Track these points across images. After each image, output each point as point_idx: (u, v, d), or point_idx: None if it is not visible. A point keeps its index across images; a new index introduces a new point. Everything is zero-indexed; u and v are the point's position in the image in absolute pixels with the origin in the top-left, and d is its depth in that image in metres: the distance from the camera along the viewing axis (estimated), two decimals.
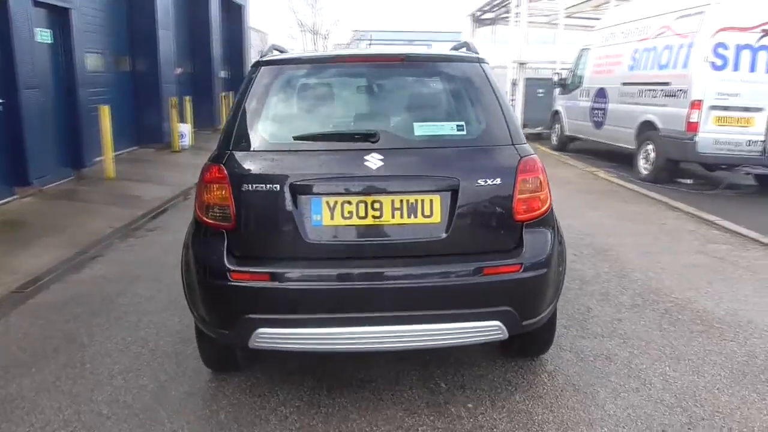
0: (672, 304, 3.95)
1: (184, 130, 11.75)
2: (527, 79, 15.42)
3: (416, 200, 2.56)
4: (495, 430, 2.59)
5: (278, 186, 2.56)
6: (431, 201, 2.57)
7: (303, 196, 2.56)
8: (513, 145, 2.69)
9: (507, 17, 20.59)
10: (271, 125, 2.81)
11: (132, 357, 3.31)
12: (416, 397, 2.87)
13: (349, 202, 2.56)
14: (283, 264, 2.56)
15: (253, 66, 2.91)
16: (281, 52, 3.30)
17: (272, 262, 2.57)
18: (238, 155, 2.65)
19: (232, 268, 2.54)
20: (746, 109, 7.80)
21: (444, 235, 2.56)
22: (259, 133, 2.75)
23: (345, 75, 3.06)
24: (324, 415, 2.74)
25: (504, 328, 2.57)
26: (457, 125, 2.77)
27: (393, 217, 2.56)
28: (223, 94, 15.65)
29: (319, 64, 3.10)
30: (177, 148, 11.34)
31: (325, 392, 2.93)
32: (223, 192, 2.59)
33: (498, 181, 2.60)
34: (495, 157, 2.66)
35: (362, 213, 2.55)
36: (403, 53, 2.88)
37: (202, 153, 11.57)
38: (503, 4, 18.24)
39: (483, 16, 20.76)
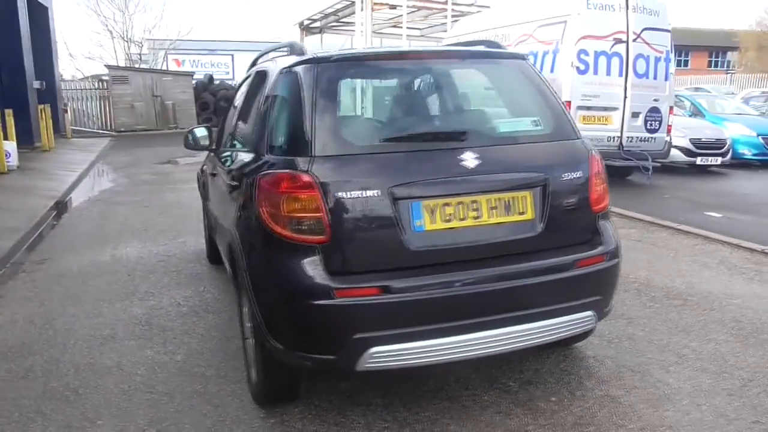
0: (638, 284, 4.37)
1: (9, 149, 10.21)
2: (374, 87, 15.88)
3: (511, 198, 2.53)
4: (596, 417, 2.66)
5: (377, 191, 2.36)
6: (524, 198, 2.55)
7: (402, 201, 2.39)
8: (579, 139, 2.78)
9: (336, 26, 21.05)
10: (352, 127, 2.59)
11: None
12: (498, 399, 2.82)
13: (449, 204, 2.44)
14: (389, 275, 2.36)
15: (303, 63, 2.62)
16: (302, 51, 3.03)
17: (376, 275, 2.36)
18: (325, 160, 2.38)
19: (335, 285, 2.29)
20: (605, 109, 8.86)
21: (538, 232, 2.56)
22: (341, 136, 2.50)
23: (410, 72, 2.91)
24: (422, 431, 2.58)
25: (595, 317, 2.65)
26: (533, 121, 2.78)
27: (491, 216, 2.49)
28: (41, 107, 13.78)
29: (383, 60, 2.89)
30: (4, 170, 9.82)
31: (403, 408, 2.76)
32: (314, 202, 2.32)
33: (578, 174, 2.66)
34: (570, 152, 2.73)
35: (462, 215, 2.46)
36: (464, 49, 2.82)
37: (34, 173, 10.19)
38: (334, 13, 18.56)
39: (312, 25, 20.93)
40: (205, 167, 4.84)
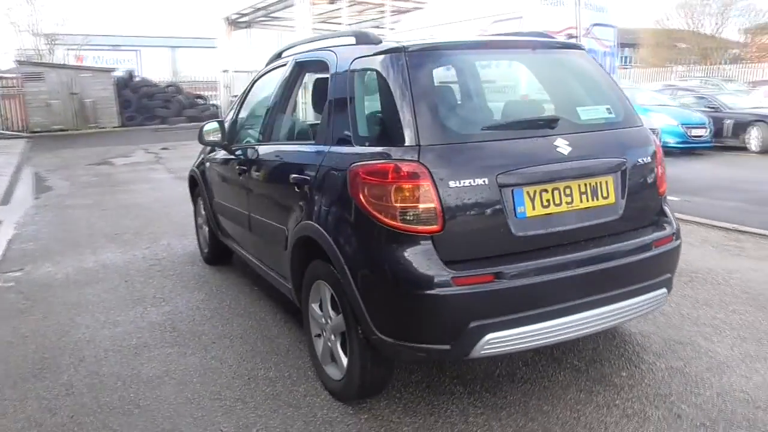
0: None
1: None
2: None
3: (596, 183, 2.62)
4: (671, 387, 2.81)
5: (485, 180, 2.37)
6: (607, 182, 2.65)
7: (506, 188, 2.42)
8: (643, 126, 2.92)
9: (265, 21, 20.62)
10: (451, 116, 2.56)
11: None
12: (573, 378, 2.92)
13: (546, 190, 2.50)
14: (497, 262, 2.39)
15: (392, 51, 2.58)
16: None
17: (485, 262, 2.38)
18: (432, 149, 2.36)
19: (453, 274, 2.29)
20: None
21: (620, 215, 2.67)
22: (444, 125, 2.49)
23: (494, 60, 2.93)
24: (516, 414, 2.63)
25: (667, 294, 2.80)
26: (607, 108, 2.88)
27: (581, 201, 2.58)
28: None
29: (469, 50, 2.88)
30: None
31: (489, 394, 2.80)
32: (427, 191, 2.30)
33: (648, 159, 2.80)
34: (640, 137, 2.85)
35: (557, 200, 2.52)
36: (538, 39, 2.89)
37: None
38: (264, 8, 18.17)
39: (240, 20, 20.41)
40: (206, 165, 4.64)
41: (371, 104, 2.64)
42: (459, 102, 2.73)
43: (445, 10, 11.13)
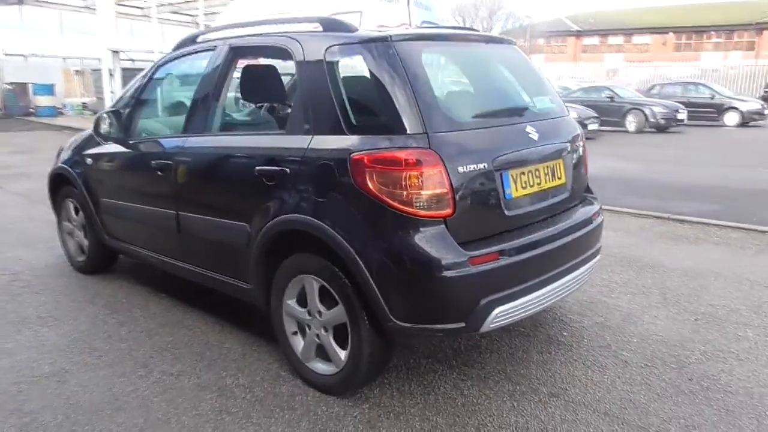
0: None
1: None
2: (124, 70, 14.40)
3: (554, 165, 2.94)
4: (608, 340, 3.26)
5: (486, 164, 2.54)
6: (559, 165, 2.98)
7: (498, 172, 2.60)
8: (568, 114, 3.32)
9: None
10: (445, 103, 2.63)
11: None
12: (528, 342, 3.24)
13: (524, 173, 2.74)
14: (498, 240, 2.57)
15: (379, 40, 2.57)
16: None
17: (489, 241, 2.55)
18: (441, 136, 2.44)
19: (469, 253, 2.41)
20: None
21: (569, 193, 3.03)
22: (443, 113, 2.56)
23: (467, 53, 3.05)
24: (502, 381, 2.86)
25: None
26: (549, 99, 3.19)
27: (545, 182, 2.87)
28: None
29: (448, 41, 2.95)
30: None
31: (467, 367, 2.99)
32: (440, 177, 2.39)
33: (579, 143, 3.20)
34: (572, 124, 3.23)
35: (531, 182, 2.78)
36: (492, 36, 3.09)
37: None
38: None
39: None
40: (87, 162, 4.08)
41: (361, 93, 2.62)
42: (451, 91, 2.84)
43: (283, 2, 10.92)
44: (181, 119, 3.43)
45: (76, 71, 21.69)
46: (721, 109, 19.18)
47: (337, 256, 2.52)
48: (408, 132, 2.42)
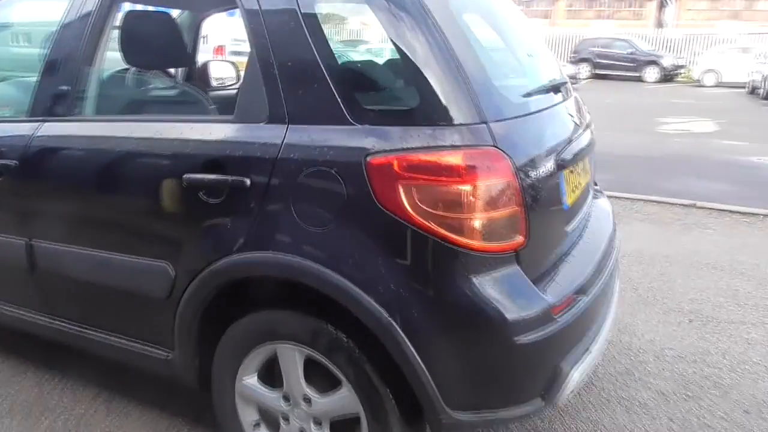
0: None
1: None
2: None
3: (589, 154, 2.24)
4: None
5: (552, 164, 1.76)
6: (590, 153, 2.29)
7: (558, 173, 1.83)
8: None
9: None
10: (495, 75, 1.74)
11: None
12: None
13: (572, 171, 1.99)
14: (564, 271, 1.81)
15: None
16: None
17: (555, 274, 1.78)
18: (503, 126, 1.59)
19: (550, 300, 1.63)
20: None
21: (591, 188, 2.37)
22: (497, 89, 1.69)
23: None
24: None
25: None
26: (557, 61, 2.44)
27: (584, 178, 2.16)
28: None
29: None
30: None
31: None
32: (513, 189, 1.56)
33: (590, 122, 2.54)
34: (581, 101, 2.55)
35: (577, 181, 2.05)
36: None
37: None
38: None
39: None
40: None
41: (371, 62, 1.67)
42: (491, 59, 1.94)
43: None
44: (25, 94, 2.17)
45: None
46: (641, 65, 21.47)
47: (341, 313, 1.61)
48: (457, 121, 1.54)
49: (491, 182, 1.52)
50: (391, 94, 1.72)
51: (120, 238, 1.97)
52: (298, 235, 1.62)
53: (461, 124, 1.53)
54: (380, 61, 1.83)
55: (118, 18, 2.08)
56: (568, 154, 1.91)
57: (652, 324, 3.07)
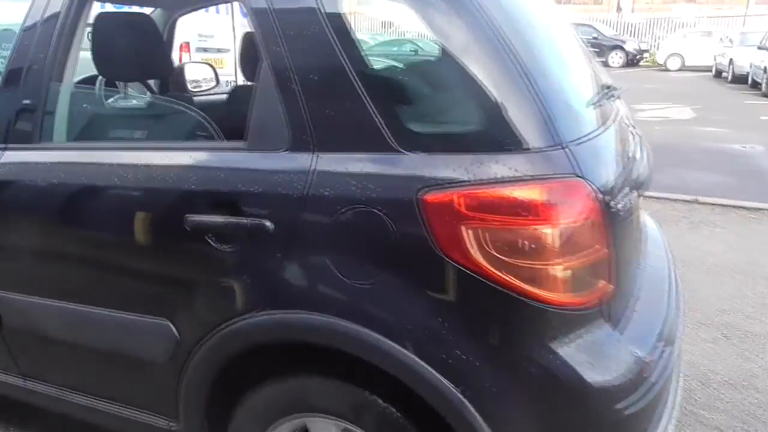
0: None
1: None
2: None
3: None
4: None
5: (631, 192, 1.47)
6: None
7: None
8: None
9: None
10: (563, 87, 1.44)
11: None
12: None
13: (641, 195, 1.72)
14: (639, 314, 1.53)
15: None
16: None
17: (632, 318, 1.50)
18: (583, 149, 1.30)
19: (642, 356, 1.36)
20: (219, 51, 8.07)
21: None
22: (569, 104, 1.39)
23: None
24: None
25: None
26: None
27: None
28: None
29: None
30: None
31: None
32: (597, 228, 1.28)
33: None
34: None
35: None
36: None
37: None
38: None
39: None
40: None
41: (416, 73, 1.37)
42: (553, 65, 1.62)
43: None
44: None
45: None
46: (605, 50, 21.32)
47: (389, 379, 1.31)
48: (530, 145, 1.24)
49: (580, 221, 1.24)
50: (444, 113, 1.41)
51: (102, 289, 1.63)
52: (337, 291, 1.31)
53: (536, 150, 1.24)
54: (425, 70, 1.53)
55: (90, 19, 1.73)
56: (638, 174, 1.64)
57: (686, 342, 2.84)
